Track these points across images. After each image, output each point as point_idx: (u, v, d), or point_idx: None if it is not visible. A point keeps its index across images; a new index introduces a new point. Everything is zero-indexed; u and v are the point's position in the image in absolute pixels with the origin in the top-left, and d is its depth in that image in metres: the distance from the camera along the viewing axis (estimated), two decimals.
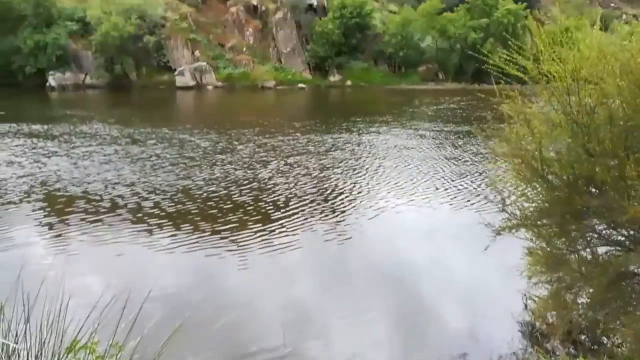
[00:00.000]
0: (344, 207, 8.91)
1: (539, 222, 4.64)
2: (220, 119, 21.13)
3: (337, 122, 19.59)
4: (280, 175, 10.88)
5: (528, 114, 4.02)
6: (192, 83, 35.78)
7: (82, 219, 7.92)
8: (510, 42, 5.06)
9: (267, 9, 41.21)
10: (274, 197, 9.28)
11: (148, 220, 7.94)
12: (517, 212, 4.71)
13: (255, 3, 40.98)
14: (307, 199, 9.21)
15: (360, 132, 17.01)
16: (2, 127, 16.38)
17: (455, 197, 9.50)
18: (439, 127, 18.39)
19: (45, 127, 16.77)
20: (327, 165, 11.85)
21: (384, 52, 41.12)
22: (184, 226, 7.74)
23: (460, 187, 10.13)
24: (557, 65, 3.72)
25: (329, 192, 9.75)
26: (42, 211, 8.33)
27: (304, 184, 10.23)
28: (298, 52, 40.11)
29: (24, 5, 33.34)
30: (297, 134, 16.31)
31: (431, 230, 8.00)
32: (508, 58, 4.12)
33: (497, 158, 4.88)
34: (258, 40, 40.70)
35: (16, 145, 13.55)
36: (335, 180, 10.59)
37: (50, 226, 7.70)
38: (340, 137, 15.81)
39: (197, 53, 37.40)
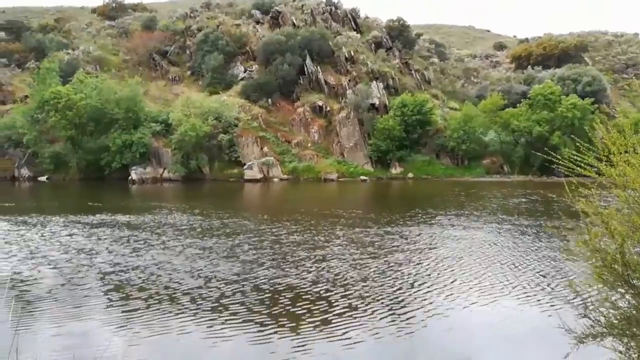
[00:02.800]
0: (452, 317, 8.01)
1: (627, 332, 4.25)
2: (299, 211, 20.62)
3: (421, 214, 18.91)
4: (384, 276, 9.99)
5: (605, 214, 3.88)
6: (259, 176, 37.62)
7: (181, 321, 7.51)
8: (578, 141, 5.01)
9: (331, 109, 43.68)
10: (383, 303, 8.37)
11: (244, 331, 7.21)
12: (602, 319, 4.34)
13: (320, 104, 43.66)
14: (413, 305, 8.45)
15: (454, 226, 16.22)
16: (101, 218, 17.64)
17: (539, 297, 8.87)
18: (530, 221, 17.16)
19: (140, 218, 17.70)
20: (432, 267, 10.89)
21: (445, 146, 41.54)
22: (285, 337, 7.00)
23: (543, 286, 9.48)
24: (634, 168, 3.65)
25: (435, 295, 8.93)
26: (136, 311, 7.99)
27: (409, 287, 9.33)
28: (360, 147, 41.48)
29: (117, 110, 37.60)
30: (387, 228, 15.71)
31: (512, 332, 7.51)
32: (578, 159, 4.08)
33: (576, 259, 4.62)
34: (322, 136, 42.72)
35: (116, 239, 13.72)
36: (443, 282, 9.73)
37: (139, 331, 7.20)
38: (434, 232, 15.03)
39: (265, 149, 39.71)
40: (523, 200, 24.23)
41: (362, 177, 38.77)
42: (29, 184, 36.41)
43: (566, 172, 4.65)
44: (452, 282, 9.78)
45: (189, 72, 50.96)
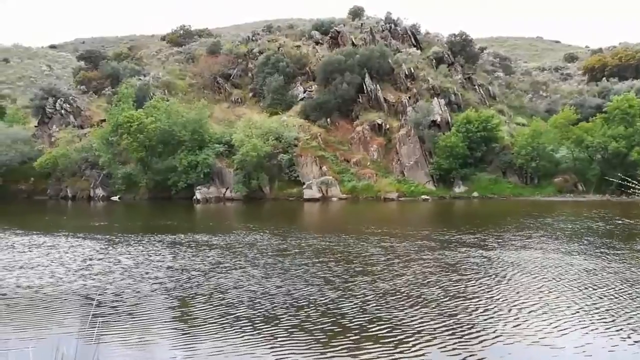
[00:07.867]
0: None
1: None
2: (381, 232, 19.34)
3: (509, 237, 17.54)
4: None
5: None
6: (318, 195, 37.65)
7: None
8: None
9: (391, 126, 43.13)
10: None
11: None
12: None
13: (379, 122, 43.24)
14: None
15: (554, 251, 14.73)
16: (179, 237, 17.78)
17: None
18: (624, 246, 15.54)
19: (224, 238, 17.49)
20: (537, 304, 9.38)
21: (513, 163, 39.60)
22: None
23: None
24: None
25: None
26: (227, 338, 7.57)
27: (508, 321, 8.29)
28: (421, 165, 40.46)
29: (184, 132, 39.27)
30: (470, 250, 14.81)
31: None
32: None
33: None
34: (382, 154, 42.17)
35: (214, 261, 13.47)
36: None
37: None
38: (528, 257, 13.77)
39: (324, 168, 39.75)
40: (607, 222, 22.16)
41: (424, 197, 37.68)
42: (104, 203, 38.62)
43: None
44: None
45: (250, 94, 52.40)
